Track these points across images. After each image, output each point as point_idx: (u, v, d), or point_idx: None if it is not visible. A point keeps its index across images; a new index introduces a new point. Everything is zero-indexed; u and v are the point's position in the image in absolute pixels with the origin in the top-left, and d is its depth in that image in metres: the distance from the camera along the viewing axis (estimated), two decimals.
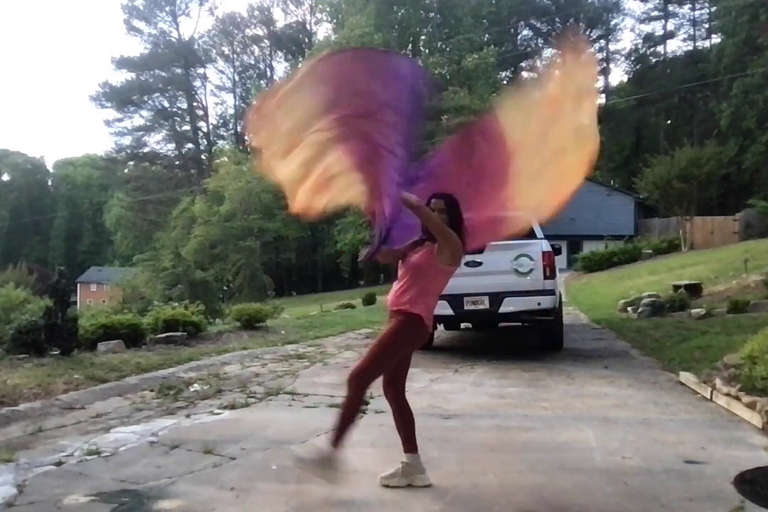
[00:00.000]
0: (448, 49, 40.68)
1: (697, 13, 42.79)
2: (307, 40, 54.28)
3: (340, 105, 3.06)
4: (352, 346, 8.73)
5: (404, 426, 3.20)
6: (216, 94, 68.44)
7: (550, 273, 6.95)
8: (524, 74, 49.68)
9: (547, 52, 49.90)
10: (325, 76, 3.02)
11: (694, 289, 12.22)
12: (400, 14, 41.34)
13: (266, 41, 56.40)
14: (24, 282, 26.56)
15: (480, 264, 6.80)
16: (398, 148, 3.13)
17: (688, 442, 3.80)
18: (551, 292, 6.97)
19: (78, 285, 54.39)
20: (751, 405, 4.18)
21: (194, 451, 3.79)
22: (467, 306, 6.87)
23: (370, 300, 19.01)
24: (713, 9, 36.47)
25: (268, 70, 58.25)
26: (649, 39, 45.27)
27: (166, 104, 55.19)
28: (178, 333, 8.74)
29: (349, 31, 40.51)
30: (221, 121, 58.77)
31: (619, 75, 79.92)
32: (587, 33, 48.23)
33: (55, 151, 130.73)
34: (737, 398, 4.43)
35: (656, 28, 44.95)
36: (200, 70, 56.16)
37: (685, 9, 43.51)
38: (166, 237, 43.24)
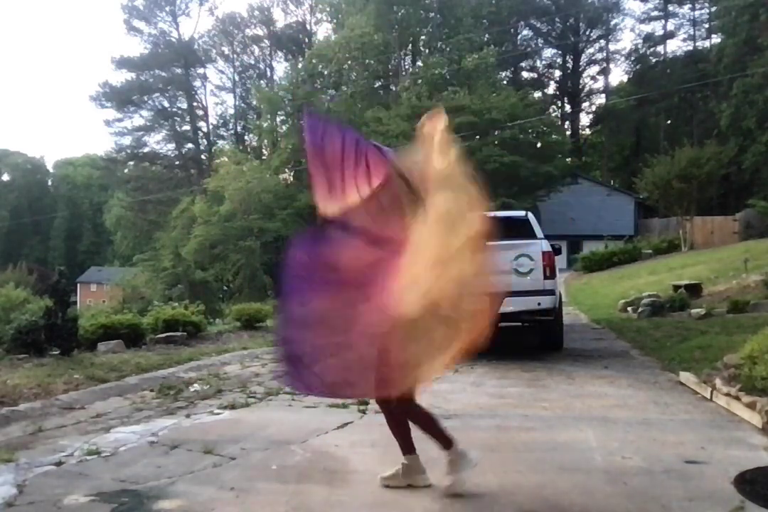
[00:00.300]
0: (448, 49, 40.64)
1: (697, 13, 42.77)
2: (307, 40, 54.25)
3: None
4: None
5: (398, 429, 3.18)
6: (216, 94, 68.33)
7: (550, 273, 6.95)
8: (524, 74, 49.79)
9: (547, 52, 50.04)
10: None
11: (694, 289, 12.22)
12: (400, 14, 41.30)
13: (266, 41, 56.36)
14: (24, 282, 26.60)
15: None
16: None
17: (688, 442, 3.80)
18: (551, 292, 6.97)
19: (78, 285, 54.36)
20: (751, 405, 4.18)
21: (194, 451, 3.79)
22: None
23: None
24: (713, 9, 36.41)
25: (268, 70, 58.26)
26: (649, 39, 45.23)
27: (166, 104, 55.13)
28: (178, 333, 8.74)
29: (349, 31, 40.51)
30: (221, 121, 58.73)
31: (619, 75, 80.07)
32: (587, 33, 48.31)
33: (55, 151, 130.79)
34: (737, 398, 4.43)
35: (656, 28, 44.95)
36: (200, 70, 56.10)
37: (685, 9, 43.49)
38: (166, 237, 43.24)
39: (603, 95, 48.44)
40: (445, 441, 3.07)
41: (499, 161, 27.57)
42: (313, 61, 45.08)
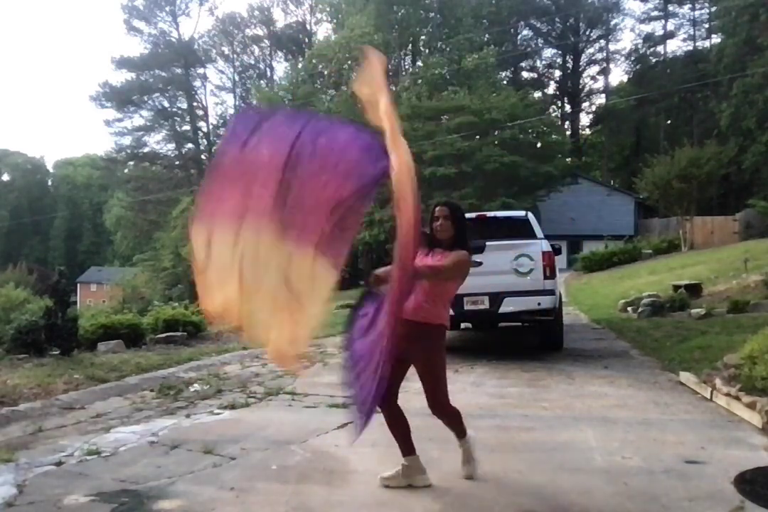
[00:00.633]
0: (448, 49, 40.64)
1: (697, 13, 42.75)
2: (307, 40, 54.26)
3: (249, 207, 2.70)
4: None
5: (399, 430, 3.18)
6: (216, 94, 68.40)
7: (550, 273, 6.95)
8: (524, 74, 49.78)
9: (547, 52, 50.03)
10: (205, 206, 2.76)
11: (694, 289, 12.21)
12: (400, 14, 41.30)
13: (266, 41, 56.39)
14: (24, 282, 26.61)
15: (480, 264, 6.78)
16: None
17: (688, 442, 3.80)
18: (551, 292, 6.97)
19: (78, 285, 54.35)
20: (751, 405, 4.18)
21: (194, 451, 3.79)
22: (467, 307, 6.87)
23: None
24: (713, 9, 36.39)
25: (268, 70, 58.29)
26: (649, 39, 45.21)
27: (166, 104, 55.13)
28: (178, 333, 8.75)
29: (349, 31, 40.49)
30: (221, 121, 58.62)
31: (619, 75, 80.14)
32: (587, 33, 48.31)
33: (55, 151, 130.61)
34: (737, 398, 4.43)
35: (656, 28, 44.92)
36: (200, 70, 56.10)
37: (685, 9, 43.46)
38: (166, 237, 43.22)
39: (603, 95, 48.43)
40: (411, 447, 3.18)
41: (499, 161, 27.56)
42: (313, 61, 45.06)
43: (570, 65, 49.77)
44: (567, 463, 3.47)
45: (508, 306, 6.87)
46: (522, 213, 7.96)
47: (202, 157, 55.77)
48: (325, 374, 6.54)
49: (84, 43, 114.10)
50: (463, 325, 9.42)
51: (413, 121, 31.15)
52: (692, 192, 23.30)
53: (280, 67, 58.14)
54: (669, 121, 42.67)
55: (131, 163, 55.40)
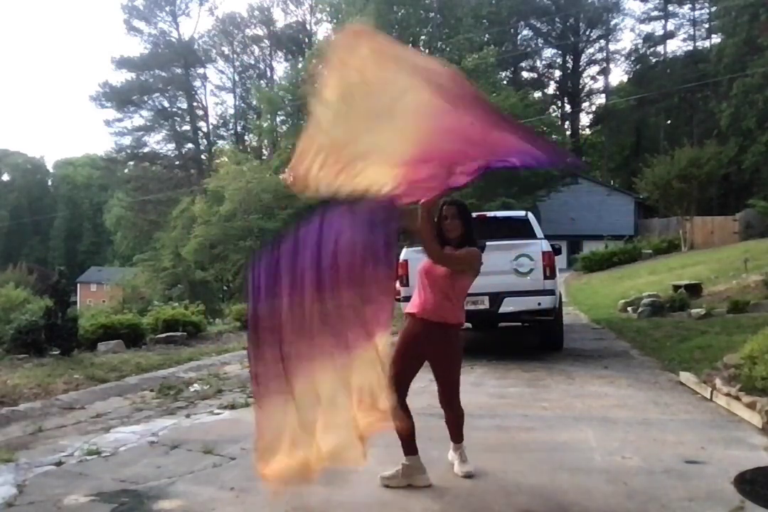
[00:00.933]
0: (448, 49, 40.66)
1: (697, 13, 42.75)
2: (307, 40, 54.28)
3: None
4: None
5: (402, 432, 3.17)
6: (216, 94, 68.38)
7: (550, 273, 6.94)
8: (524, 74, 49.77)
9: (547, 52, 50.02)
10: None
11: (694, 289, 12.21)
12: (400, 14, 41.33)
13: (266, 41, 56.39)
14: (24, 282, 26.61)
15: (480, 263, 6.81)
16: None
17: (688, 442, 3.80)
18: (551, 292, 6.97)
19: (78, 285, 54.35)
20: (751, 405, 4.18)
21: (194, 451, 3.79)
22: (467, 307, 6.84)
23: None
24: (713, 9, 36.41)
25: (268, 70, 58.28)
26: (649, 39, 45.22)
27: (166, 104, 55.16)
28: (178, 333, 8.74)
29: None
30: (221, 121, 58.76)
31: (619, 75, 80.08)
32: (587, 33, 48.31)
33: (55, 151, 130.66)
34: (737, 398, 4.43)
35: (656, 28, 44.94)
36: (200, 70, 56.14)
37: (685, 9, 43.47)
38: (166, 237, 43.23)
39: (603, 95, 48.45)
40: (413, 447, 3.20)
41: None
42: (313, 61, 45.08)
43: (570, 65, 49.78)
44: (567, 463, 3.47)
45: (508, 306, 6.87)
46: (522, 213, 7.95)
47: (202, 157, 55.82)
48: None
49: (84, 43, 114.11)
50: (463, 325, 9.43)
51: None
52: (692, 192, 23.29)
53: (280, 67, 58.14)
54: (669, 121, 42.67)
55: (131, 163, 55.43)
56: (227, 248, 38.53)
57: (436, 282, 3.20)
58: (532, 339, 8.12)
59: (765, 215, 23.34)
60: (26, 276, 30.65)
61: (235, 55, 56.92)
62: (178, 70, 54.00)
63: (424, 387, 5.40)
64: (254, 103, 53.47)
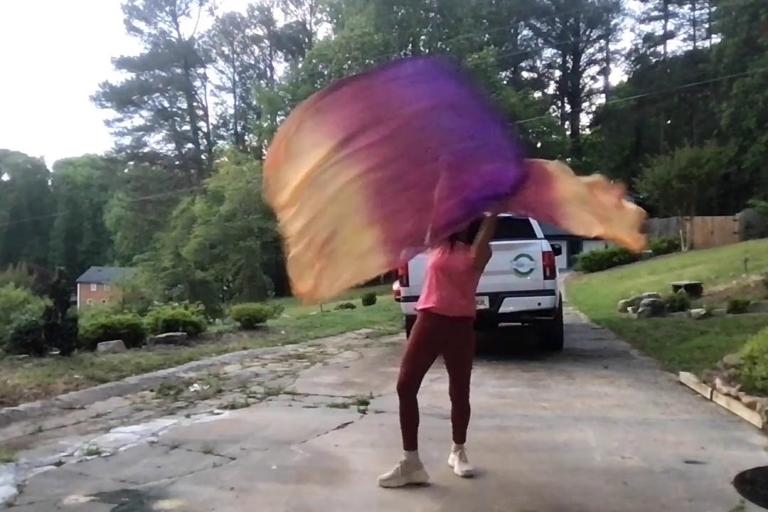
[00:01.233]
0: (448, 49, 40.69)
1: (697, 13, 42.79)
2: (307, 40, 54.32)
3: (358, 134, 2.72)
4: (352, 346, 8.73)
5: (409, 425, 3.25)
6: (216, 94, 68.52)
7: (550, 273, 6.94)
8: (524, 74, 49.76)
9: (547, 52, 50.03)
10: (328, 107, 2.70)
11: (694, 289, 12.21)
12: (400, 14, 41.36)
13: (266, 41, 56.45)
14: (24, 282, 26.56)
15: None
16: (466, 145, 2.84)
17: (688, 442, 3.80)
18: (551, 292, 6.97)
19: (78, 285, 54.39)
20: (751, 405, 4.18)
21: (194, 451, 3.79)
22: None
23: (370, 301, 19.00)
24: (713, 9, 36.44)
25: (268, 70, 58.34)
26: (649, 39, 45.26)
27: (166, 104, 55.21)
28: (178, 333, 8.74)
29: (349, 31, 40.53)
30: (221, 121, 58.84)
31: (619, 75, 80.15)
32: (587, 33, 48.32)
33: (55, 151, 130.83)
34: (737, 398, 4.43)
35: (656, 28, 44.99)
36: (200, 70, 56.22)
37: (685, 9, 43.51)
38: (166, 237, 43.22)
39: (603, 95, 48.50)
40: (414, 442, 3.24)
41: None
42: (313, 61, 45.09)
43: (570, 65, 49.83)
44: (567, 463, 3.47)
45: (508, 306, 6.87)
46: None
47: (202, 157, 55.85)
48: (325, 374, 6.55)
49: (84, 43, 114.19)
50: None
51: None
52: (692, 192, 23.29)
53: (280, 67, 58.23)
54: (669, 121, 42.70)
55: (131, 163, 55.47)
56: (227, 248, 38.55)
57: (454, 278, 3.28)
58: (532, 339, 8.12)
59: (765, 215, 23.33)
60: (26, 276, 30.61)
61: (235, 55, 56.97)
62: (178, 70, 54.02)
63: (424, 387, 5.39)
64: (254, 103, 53.51)
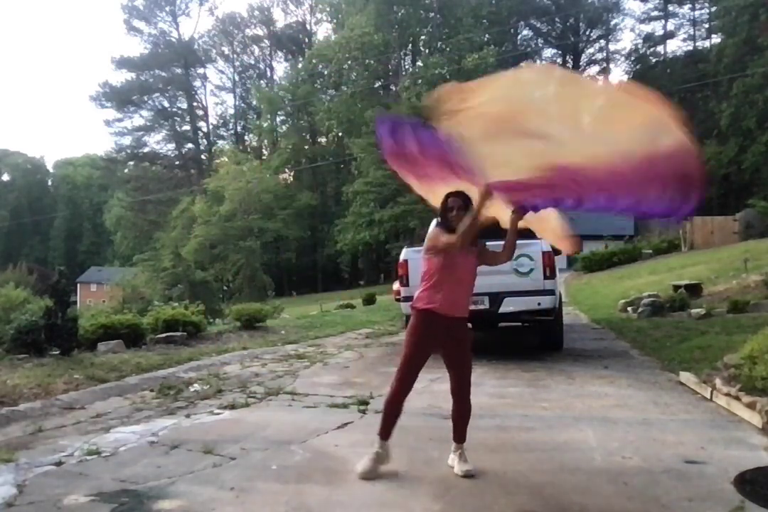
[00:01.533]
0: (448, 49, 40.69)
1: (697, 13, 42.81)
2: (307, 40, 54.33)
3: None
4: (352, 346, 8.73)
5: (391, 416, 3.38)
6: (216, 94, 68.59)
7: (550, 273, 6.94)
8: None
9: (547, 52, 50.02)
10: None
11: (694, 289, 12.22)
12: (400, 14, 41.34)
13: (266, 41, 56.45)
14: (24, 282, 26.56)
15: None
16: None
17: (688, 442, 3.80)
18: (551, 292, 6.97)
19: (78, 285, 54.41)
20: (751, 405, 4.18)
21: (194, 451, 3.79)
22: None
23: (370, 301, 19.01)
24: (713, 9, 36.46)
25: (268, 70, 58.35)
26: (649, 39, 45.27)
27: (166, 104, 55.25)
28: (178, 333, 8.73)
29: (349, 31, 40.52)
30: (221, 121, 58.88)
31: (619, 75, 79.94)
32: (587, 33, 48.31)
33: (55, 151, 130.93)
34: (737, 398, 4.43)
35: (656, 28, 45.02)
36: (200, 70, 56.26)
37: (685, 9, 43.53)
38: (166, 237, 43.28)
39: None
40: (390, 433, 3.38)
41: None
42: (313, 61, 45.12)
43: (570, 65, 49.77)
44: (567, 463, 3.47)
45: (508, 306, 6.87)
46: None
47: (202, 157, 55.87)
48: (325, 374, 6.55)
49: (84, 43, 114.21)
50: None
51: None
52: None
53: (280, 67, 58.28)
54: None
55: (131, 163, 55.52)
56: (227, 248, 38.59)
57: (461, 279, 3.35)
58: (532, 339, 8.12)
59: (765, 215, 23.34)
60: (26, 276, 30.61)
61: (235, 55, 56.99)
62: (178, 70, 54.05)
63: (424, 387, 5.41)
64: (254, 103, 53.53)
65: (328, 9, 49.02)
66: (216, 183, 40.56)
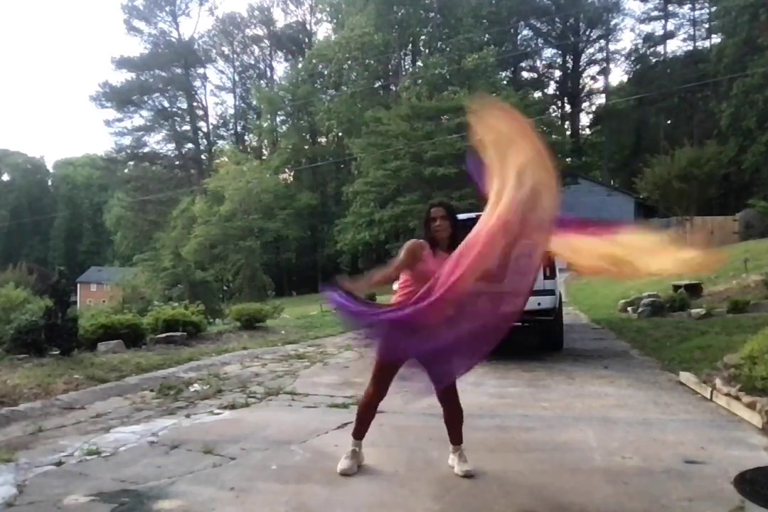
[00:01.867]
0: (448, 49, 40.64)
1: (697, 13, 42.74)
2: (307, 40, 54.27)
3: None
4: (352, 346, 8.72)
5: (366, 421, 3.44)
6: (216, 94, 68.48)
7: (550, 273, 6.94)
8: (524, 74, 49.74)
9: (547, 52, 50.00)
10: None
11: (694, 289, 12.23)
12: (400, 14, 41.31)
13: (266, 41, 56.39)
14: (24, 282, 26.48)
15: None
16: None
17: (688, 442, 3.80)
18: (551, 292, 6.96)
19: (78, 285, 54.38)
20: (751, 405, 4.18)
21: (194, 451, 3.79)
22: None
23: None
24: (713, 9, 36.42)
25: (268, 70, 58.29)
26: (649, 39, 45.21)
27: (166, 104, 55.18)
28: (178, 333, 8.74)
29: (349, 31, 40.51)
30: (221, 121, 58.81)
31: (619, 75, 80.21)
32: (587, 33, 48.30)
33: (55, 151, 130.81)
34: (737, 398, 4.43)
35: (656, 28, 44.94)
36: (200, 70, 56.17)
37: (685, 9, 43.46)
38: (166, 237, 43.25)
39: (603, 95, 48.44)
40: (359, 434, 3.45)
41: None
42: (313, 61, 45.09)
43: (570, 65, 49.79)
44: (567, 463, 3.47)
45: None
46: None
47: (202, 157, 55.85)
48: (325, 374, 6.55)
49: (84, 43, 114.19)
50: None
51: (413, 121, 31.16)
52: (692, 192, 23.29)
53: (280, 67, 58.23)
54: (669, 121, 42.67)
55: (131, 163, 55.46)
56: (227, 248, 38.55)
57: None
58: (532, 339, 8.11)
59: (765, 215, 23.33)
60: (26, 276, 30.54)
61: (235, 55, 56.93)
62: (178, 70, 53.99)
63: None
64: (254, 103, 53.50)
65: (328, 9, 48.99)
66: (216, 183, 40.53)
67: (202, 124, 56.45)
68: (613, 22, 47.44)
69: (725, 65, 32.24)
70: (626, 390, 5.39)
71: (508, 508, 2.88)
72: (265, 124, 51.01)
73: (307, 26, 55.33)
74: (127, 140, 54.67)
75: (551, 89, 51.20)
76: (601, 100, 48.92)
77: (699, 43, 42.86)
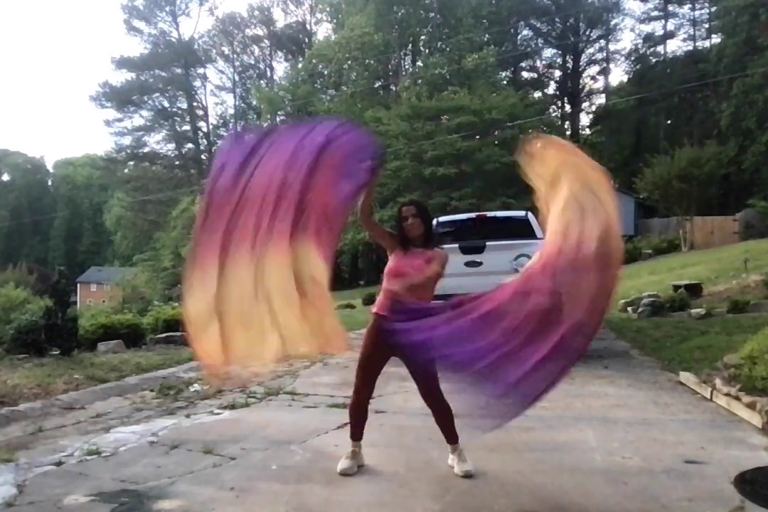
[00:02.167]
0: (448, 49, 40.62)
1: (697, 13, 42.72)
2: (307, 40, 54.28)
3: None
4: (352, 346, 8.72)
5: (360, 421, 3.45)
6: (216, 94, 68.46)
7: None
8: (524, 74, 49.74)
9: (547, 52, 50.00)
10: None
11: (694, 289, 12.22)
12: (400, 14, 41.30)
13: (266, 41, 56.40)
14: (24, 282, 26.51)
15: (480, 264, 6.81)
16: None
17: (688, 442, 3.80)
18: None
19: (78, 285, 54.33)
20: (751, 405, 4.18)
21: (194, 451, 3.79)
22: None
23: (370, 301, 18.99)
24: (713, 9, 36.42)
25: (268, 70, 58.30)
26: (649, 39, 45.19)
27: (166, 104, 55.18)
28: (178, 333, 8.73)
29: (349, 31, 40.50)
30: (221, 121, 58.79)
31: (619, 75, 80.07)
32: (587, 33, 48.30)
33: (55, 151, 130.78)
34: (737, 398, 4.43)
35: (656, 28, 44.90)
36: (200, 70, 56.16)
37: (685, 9, 43.43)
38: (166, 237, 43.27)
39: (603, 95, 48.42)
40: (355, 435, 3.46)
41: (499, 161, 27.58)
42: (313, 61, 45.07)
43: (570, 65, 49.75)
44: (567, 463, 3.47)
45: None
46: (522, 213, 7.94)
47: (202, 157, 55.80)
48: (325, 374, 6.55)
49: (84, 43, 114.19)
50: None
51: (413, 121, 31.17)
52: (692, 192, 23.31)
53: (280, 67, 58.15)
54: (669, 121, 42.63)
55: (131, 163, 55.44)
56: None
57: (414, 287, 3.23)
58: None
59: (765, 215, 23.35)
60: (26, 276, 30.55)
61: (235, 55, 56.92)
62: (178, 70, 53.99)
63: None
64: (254, 103, 53.48)
65: (328, 9, 49.01)
66: None
67: (202, 124, 56.46)
68: (613, 22, 47.44)
69: (725, 65, 32.23)
70: (626, 390, 5.39)
71: (508, 508, 2.88)
72: (265, 124, 51.00)
73: (307, 26, 55.37)
74: (127, 140, 54.68)
75: (551, 89, 51.17)
76: (601, 100, 48.92)
77: (699, 43, 42.85)
